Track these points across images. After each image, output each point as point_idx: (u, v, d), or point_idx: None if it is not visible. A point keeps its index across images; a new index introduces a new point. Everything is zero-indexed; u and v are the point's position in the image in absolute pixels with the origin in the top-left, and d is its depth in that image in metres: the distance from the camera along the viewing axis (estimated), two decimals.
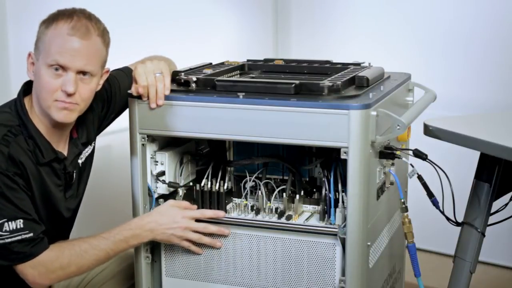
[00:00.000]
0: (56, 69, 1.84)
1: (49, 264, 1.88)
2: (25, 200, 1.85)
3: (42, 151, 1.90)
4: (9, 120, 1.89)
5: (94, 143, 2.11)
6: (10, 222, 1.82)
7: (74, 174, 2.02)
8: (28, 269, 1.86)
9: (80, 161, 2.04)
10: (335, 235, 1.93)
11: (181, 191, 2.12)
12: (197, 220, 2.02)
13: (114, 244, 1.96)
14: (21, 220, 1.83)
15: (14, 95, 1.98)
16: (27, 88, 1.95)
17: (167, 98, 2.00)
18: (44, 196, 1.92)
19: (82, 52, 1.86)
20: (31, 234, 1.84)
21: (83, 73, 1.87)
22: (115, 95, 2.14)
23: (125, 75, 2.18)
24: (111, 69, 2.14)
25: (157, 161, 2.09)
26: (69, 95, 1.85)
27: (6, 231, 1.81)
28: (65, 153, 1.98)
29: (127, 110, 2.08)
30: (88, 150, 2.07)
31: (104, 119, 2.14)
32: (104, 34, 1.92)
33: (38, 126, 1.91)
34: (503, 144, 1.86)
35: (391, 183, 2.11)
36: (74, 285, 2.22)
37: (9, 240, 1.82)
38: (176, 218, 1.99)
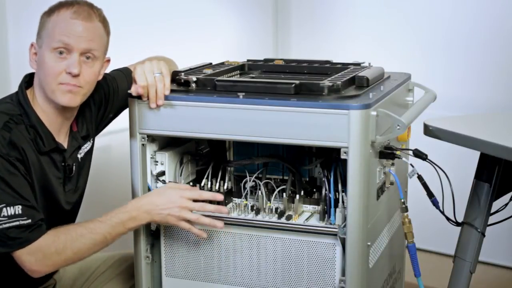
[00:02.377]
0: (60, 52, 1.87)
1: (45, 249, 1.86)
2: (25, 186, 1.84)
3: (43, 140, 1.90)
4: (10, 109, 1.90)
5: (93, 141, 2.12)
6: (8, 208, 1.81)
7: (74, 167, 2.02)
8: (25, 256, 1.85)
9: (79, 156, 2.04)
10: (335, 235, 1.93)
11: None
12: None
13: (111, 227, 1.93)
14: (20, 206, 1.82)
15: (13, 92, 1.99)
16: (29, 80, 1.96)
17: (167, 98, 2.00)
18: (44, 186, 1.92)
19: (85, 34, 1.89)
20: (29, 221, 1.83)
21: (86, 56, 1.90)
22: (113, 95, 2.14)
23: (123, 76, 2.19)
24: (112, 70, 2.15)
25: (157, 161, 2.09)
26: (74, 76, 1.87)
27: (4, 216, 1.80)
28: (65, 145, 1.99)
29: (127, 110, 2.08)
30: (87, 146, 2.08)
31: (102, 118, 2.14)
32: (105, 21, 1.96)
33: (40, 116, 1.92)
34: (503, 144, 1.86)
35: (391, 183, 2.11)
36: (78, 285, 2.22)
37: (7, 225, 1.81)
38: (172, 198, 1.96)
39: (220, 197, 2.00)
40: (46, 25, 1.90)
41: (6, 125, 1.85)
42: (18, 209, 1.82)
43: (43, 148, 1.90)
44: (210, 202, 2.01)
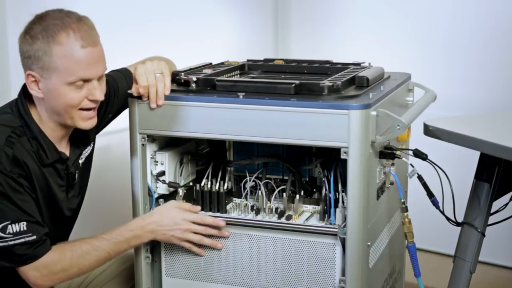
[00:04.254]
0: (79, 83, 1.85)
1: (51, 266, 1.88)
2: (29, 202, 1.85)
3: (46, 152, 1.90)
4: (11, 121, 1.88)
5: (94, 143, 2.12)
6: (13, 225, 1.81)
7: (76, 174, 2.02)
8: (30, 271, 1.86)
9: (80, 161, 2.04)
10: (335, 235, 1.93)
11: (181, 191, 2.12)
12: None
13: (115, 245, 1.96)
14: (25, 223, 1.83)
15: (14, 96, 1.98)
16: (27, 90, 1.94)
17: (167, 98, 2.00)
18: (48, 197, 1.92)
19: (98, 59, 1.87)
20: (34, 237, 1.84)
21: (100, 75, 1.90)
22: (113, 95, 2.14)
23: (123, 76, 2.18)
24: (110, 70, 2.14)
25: (157, 161, 2.09)
26: (97, 101, 1.88)
27: (9, 233, 1.81)
28: (67, 153, 1.98)
29: (127, 110, 2.08)
30: (88, 150, 2.08)
31: (102, 119, 2.14)
32: (95, 29, 1.90)
33: (42, 127, 1.91)
34: (503, 144, 1.86)
35: (391, 183, 2.11)
36: (75, 286, 2.22)
37: (12, 242, 1.82)
38: (176, 220, 2.00)
39: (222, 223, 2.02)
40: (50, 56, 1.81)
41: (8, 140, 1.83)
42: (23, 225, 1.83)
43: (46, 161, 1.90)
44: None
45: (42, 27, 1.83)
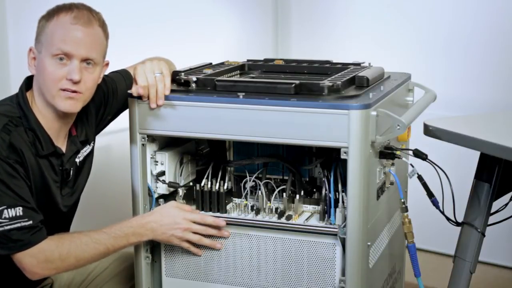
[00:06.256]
0: (61, 59, 1.87)
1: (48, 253, 1.87)
2: (24, 188, 1.85)
3: (42, 143, 1.91)
4: (10, 111, 1.90)
5: (94, 144, 2.12)
6: (9, 210, 1.81)
7: (71, 171, 2.02)
8: (26, 258, 1.85)
9: (78, 160, 2.04)
10: (335, 235, 1.93)
11: (181, 191, 2.12)
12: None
13: (115, 240, 1.96)
14: (21, 208, 1.83)
15: (13, 93, 1.98)
16: (29, 82, 1.96)
17: (167, 98, 2.00)
18: (42, 188, 1.92)
19: (85, 40, 1.88)
20: (30, 222, 1.84)
21: (87, 62, 1.90)
22: (112, 96, 2.14)
23: (122, 78, 2.19)
24: (110, 72, 2.15)
25: (157, 161, 2.09)
26: (75, 83, 1.87)
27: (5, 218, 1.81)
28: (64, 149, 1.99)
29: (126, 110, 2.08)
30: (86, 150, 2.08)
31: (101, 120, 2.14)
32: (104, 25, 1.96)
33: (39, 119, 1.92)
34: (503, 144, 1.86)
35: (391, 183, 2.11)
36: (75, 284, 2.22)
37: (8, 227, 1.81)
38: (177, 219, 2.00)
39: (222, 223, 2.02)
40: (45, 30, 1.89)
41: (6, 128, 1.85)
42: (19, 210, 1.82)
43: (42, 152, 1.90)
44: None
45: (53, 9, 1.91)
